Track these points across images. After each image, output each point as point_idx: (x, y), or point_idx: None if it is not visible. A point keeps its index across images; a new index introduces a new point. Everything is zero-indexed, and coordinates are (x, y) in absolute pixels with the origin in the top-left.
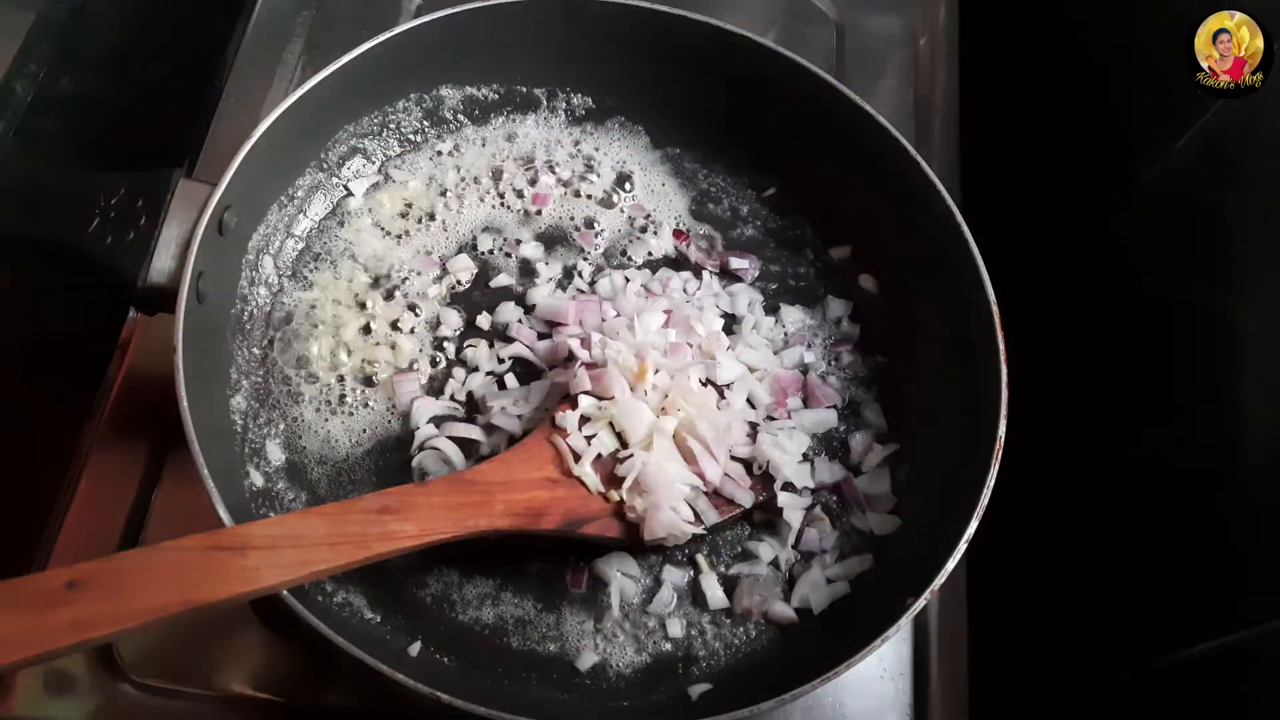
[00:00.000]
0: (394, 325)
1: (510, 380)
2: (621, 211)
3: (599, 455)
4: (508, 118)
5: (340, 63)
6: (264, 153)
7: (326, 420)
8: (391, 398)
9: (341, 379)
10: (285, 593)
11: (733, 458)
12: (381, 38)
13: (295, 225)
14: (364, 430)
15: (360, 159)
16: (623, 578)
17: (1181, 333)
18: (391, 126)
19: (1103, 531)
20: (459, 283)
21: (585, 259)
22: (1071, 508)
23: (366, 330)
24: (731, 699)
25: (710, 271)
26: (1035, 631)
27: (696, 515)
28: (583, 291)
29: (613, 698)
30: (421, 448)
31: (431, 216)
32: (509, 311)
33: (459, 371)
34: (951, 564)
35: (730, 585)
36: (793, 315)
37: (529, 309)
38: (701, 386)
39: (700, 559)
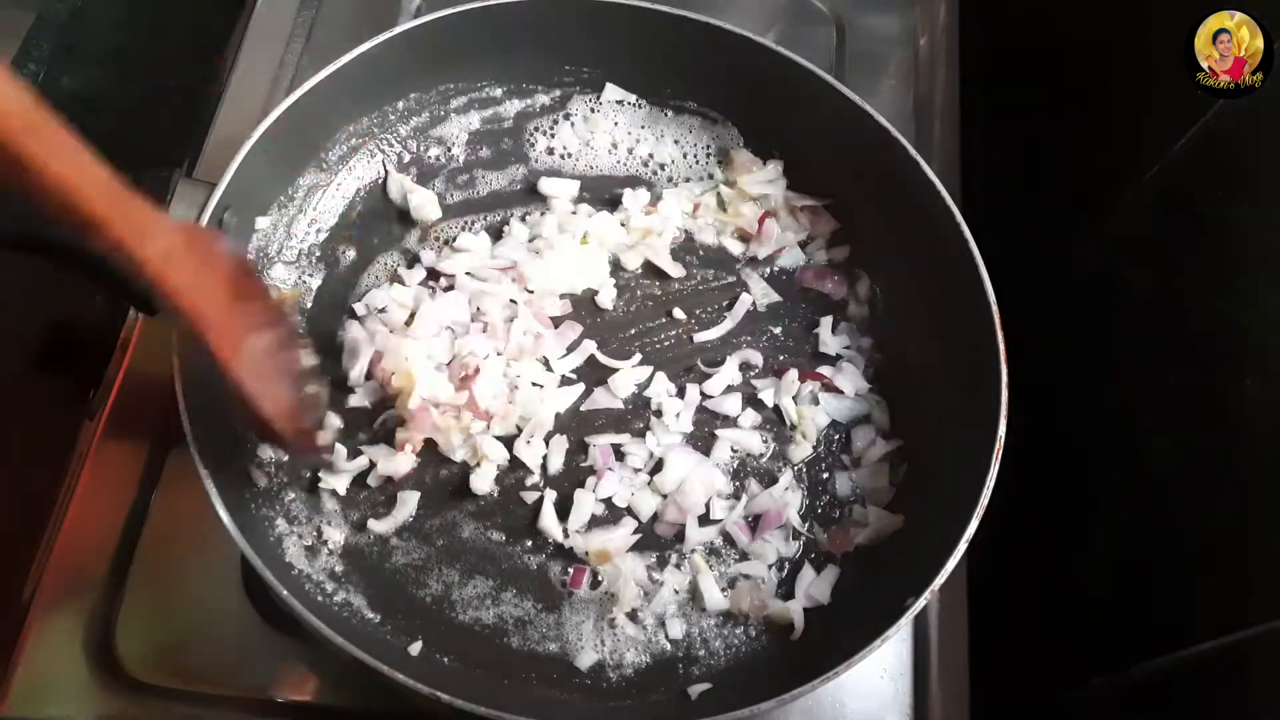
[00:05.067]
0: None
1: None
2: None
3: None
4: None
5: (340, 63)
6: (264, 153)
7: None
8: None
9: (341, 379)
10: (285, 593)
11: None
12: (381, 38)
13: (295, 225)
14: (364, 430)
15: (360, 159)
16: (623, 578)
17: (1181, 333)
18: (391, 126)
19: (1103, 531)
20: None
21: None
22: (1071, 508)
23: None
24: (731, 699)
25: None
26: (1035, 631)
27: None
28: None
29: (613, 697)
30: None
31: None
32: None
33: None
34: (951, 564)
35: (730, 586)
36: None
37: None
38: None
39: (700, 559)
